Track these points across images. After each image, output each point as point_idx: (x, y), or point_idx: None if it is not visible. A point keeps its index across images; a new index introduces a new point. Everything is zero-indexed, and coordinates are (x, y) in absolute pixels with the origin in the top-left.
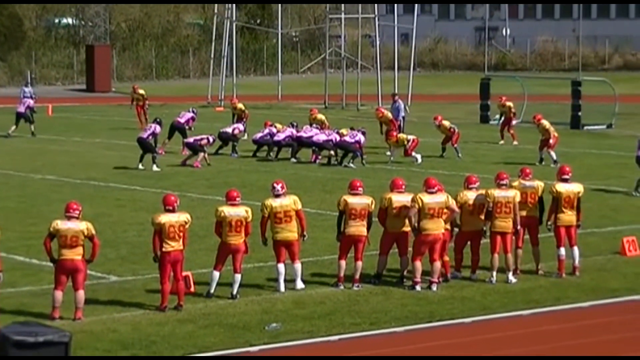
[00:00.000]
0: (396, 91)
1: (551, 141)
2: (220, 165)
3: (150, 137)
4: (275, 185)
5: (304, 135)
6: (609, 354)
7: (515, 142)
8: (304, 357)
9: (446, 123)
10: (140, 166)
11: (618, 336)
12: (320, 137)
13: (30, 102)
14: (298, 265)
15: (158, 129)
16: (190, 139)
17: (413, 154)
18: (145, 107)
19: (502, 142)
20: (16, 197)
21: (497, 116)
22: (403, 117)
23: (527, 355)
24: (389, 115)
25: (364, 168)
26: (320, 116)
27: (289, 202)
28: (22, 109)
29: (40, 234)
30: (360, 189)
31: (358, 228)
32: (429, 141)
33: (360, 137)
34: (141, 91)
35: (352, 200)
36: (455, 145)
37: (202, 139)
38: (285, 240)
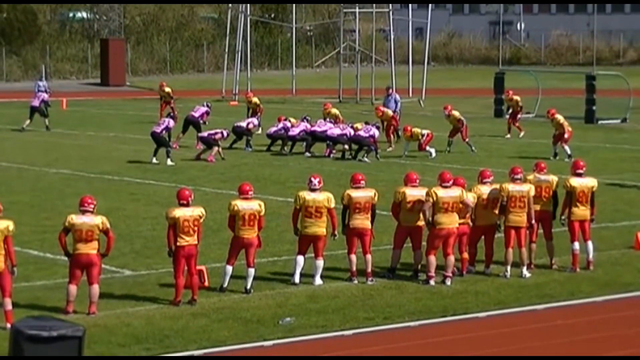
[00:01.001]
0: (410, 85)
1: (565, 135)
2: (234, 159)
3: (164, 132)
4: (312, 179)
5: (318, 129)
6: (623, 349)
7: (521, 134)
8: (317, 352)
9: (456, 113)
10: (154, 160)
11: (633, 331)
12: (335, 131)
13: (45, 96)
14: (320, 262)
15: (172, 123)
16: (205, 133)
17: (427, 148)
18: (172, 105)
19: (508, 135)
20: (30, 191)
21: (503, 108)
22: (396, 110)
23: (540, 351)
24: (389, 112)
25: (378, 162)
26: (334, 110)
27: (322, 198)
28: (36, 102)
29: (55, 228)
30: (362, 182)
31: (362, 221)
32: (443, 135)
33: (374, 131)
34: (167, 89)
35: (355, 194)
36: (467, 140)
37: (216, 133)
38: (313, 235)
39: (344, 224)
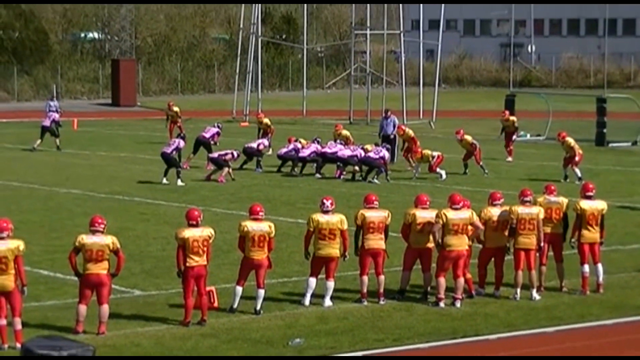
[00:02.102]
0: (421, 107)
1: (576, 158)
2: (244, 180)
3: (174, 152)
4: (325, 201)
5: (329, 150)
6: None
7: (509, 158)
8: None
9: (468, 138)
10: (164, 181)
11: None
12: (345, 152)
13: (56, 115)
14: (331, 283)
15: (182, 143)
16: (215, 154)
17: (437, 169)
18: (179, 124)
19: (509, 159)
20: (40, 211)
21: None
22: (394, 134)
23: None
24: (410, 132)
25: (388, 184)
26: (345, 132)
27: (336, 220)
28: (47, 122)
29: (65, 248)
30: (375, 202)
31: (377, 242)
32: (454, 157)
33: (384, 153)
34: (176, 108)
35: (369, 214)
36: (481, 163)
37: (226, 154)
38: (327, 257)
39: (357, 245)
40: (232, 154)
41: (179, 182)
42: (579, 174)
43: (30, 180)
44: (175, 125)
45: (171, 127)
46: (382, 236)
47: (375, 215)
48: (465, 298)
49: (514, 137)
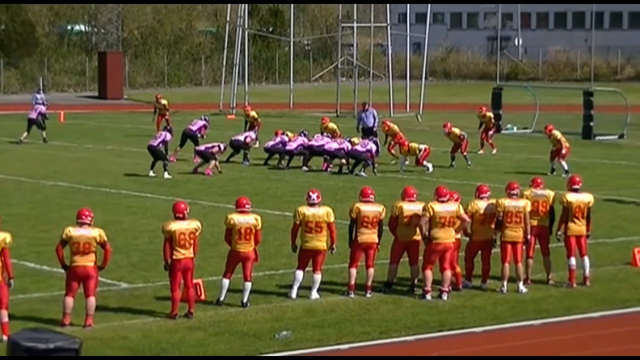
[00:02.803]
0: (408, 100)
1: (563, 151)
2: (231, 173)
3: (161, 145)
4: (311, 194)
5: (315, 143)
6: None
7: (494, 150)
8: None
9: (456, 130)
10: (151, 173)
11: (628, 347)
12: (332, 145)
13: (42, 108)
14: (318, 276)
15: (168, 136)
16: (202, 147)
17: (424, 162)
18: (167, 117)
19: (481, 151)
20: (27, 204)
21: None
22: (374, 126)
23: None
24: (395, 127)
25: (375, 177)
26: (332, 125)
27: (322, 212)
28: (33, 115)
29: (52, 241)
30: (371, 196)
31: (370, 236)
32: (441, 150)
33: (371, 146)
34: (164, 101)
35: (364, 208)
36: (465, 154)
37: (213, 147)
38: (314, 250)
39: (350, 238)
40: (218, 146)
41: (166, 175)
42: (566, 167)
43: (17, 173)
44: (162, 118)
45: (159, 119)
46: (376, 230)
47: (371, 209)
48: (453, 291)
49: (491, 132)
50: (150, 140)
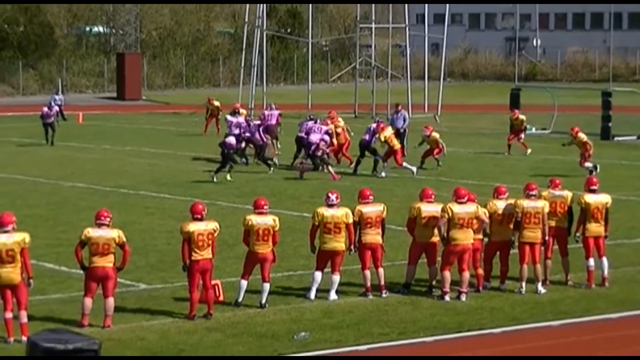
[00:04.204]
0: (426, 101)
1: (589, 153)
2: (249, 174)
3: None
4: (330, 195)
5: (302, 135)
6: None
7: (528, 151)
8: None
9: (436, 135)
10: (228, 177)
11: None
12: (315, 137)
13: (56, 109)
14: (337, 277)
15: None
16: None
17: (405, 164)
18: (218, 118)
19: (507, 154)
20: (45, 205)
21: (528, 126)
22: (404, 129)
23: None
24: (436, 136)
25: (393, 177)
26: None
27: (341, 214)
28: (51, 119)
29: (70, 242)
30: (370, 197)
31: (374, 236)
32: (459, 151)
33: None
34: (216, 103)
35: (366, 209)
36: (437, 157)
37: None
38: (332, 251)
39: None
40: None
41: (228, 177)
42: (590, 166)
43: (35, 174)
44: (213, 119)
45: (209, 120)
46: (379, 230)
47: (372, 210)
48: (472, 292)
49: (522, 134)
50: (228, 139)
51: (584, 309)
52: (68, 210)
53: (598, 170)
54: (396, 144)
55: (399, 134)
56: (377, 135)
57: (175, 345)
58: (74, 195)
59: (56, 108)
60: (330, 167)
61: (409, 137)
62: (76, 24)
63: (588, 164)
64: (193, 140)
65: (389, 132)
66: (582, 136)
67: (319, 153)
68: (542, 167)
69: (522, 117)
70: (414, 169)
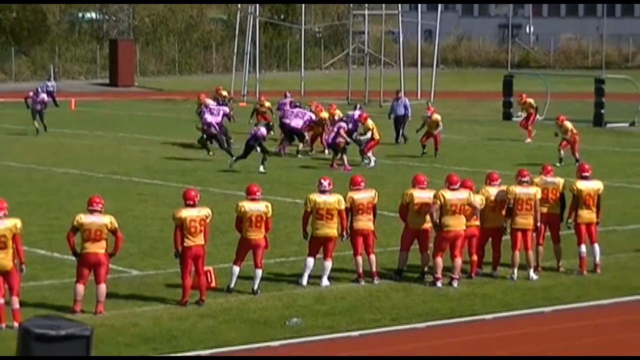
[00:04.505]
0: (419, 88)
1: (576, 145)
2: (243, 161)
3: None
4: (322, 181)
5: (287, 121)
6: (629, 352)
7: (528, 140)
8: (324, 353)
9: (437, 116)
10: (261, 169)
11: (639, 334)
12: (298, 122)
13: (44, 97)
14: (329, 263)
15: (263, 131)
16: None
17: (369, 154)
18: (230, 107)
19: (529, 139)
20: (38, 191)
21: (520, 113)
22: (406, 115)
23: (547, 354)
24: (437, 117)
25: (387, 165)
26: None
27: (333, 200)
28: (38, 107)
29: (62, 228)
30: (362, 183)
31: (366, 222)
32: (452, 138)
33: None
34: (224, 92)
35: (357, 196)
36: (438, 146)
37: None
38: (325, 237)
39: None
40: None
41: (261, 169)
42: (577, 157)
43: (28, 161)
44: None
45: None
46: (371, 217)
47: (364, 196)
48: (464, 278)
49: (531, 119)
50: (256, 130)
51: (576, 295)
52: (61, 197)
53: (562, 164)
54: (377, 135)
55: (399, 121)
56: (361, 124)
57: (167, 332)
58: (67, 181)
59: (43, 95)
60: (345, 157)
61: (408, 125)
62: (69, 10)
63: (577, 155)
64: (186, 127)
65: (371, 122)
66: (568, 124)
67: (339, 141)
68: (535, 154)
69: (529, 100)
70: (374, 162)
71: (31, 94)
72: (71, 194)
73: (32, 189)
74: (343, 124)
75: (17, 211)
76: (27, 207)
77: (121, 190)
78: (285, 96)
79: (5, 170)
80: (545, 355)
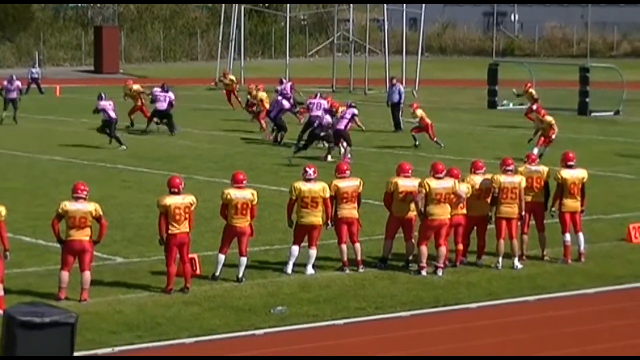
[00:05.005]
0: (404, 76)
1: (552, 137)
2: (227, 147)
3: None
4: (307, 169)
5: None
6: (614, 340)
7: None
8: (308, 341)
9: (421, 112)
10: (329, 158)
11: (623, 323)
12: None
13: (19, 83)
14: (314, 251)
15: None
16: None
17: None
18: (235, 91)
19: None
20: (23, 178)
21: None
22: (400, 102)
23: (531, 343)
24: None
25: (371, 152)
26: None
27: (318, 188)
28: (13, 95)
29: (47, 215)
30: (347, 172)
31: (350, 211)
32: (437, 126)
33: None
34: (231, 77)
35: (342, 184)
36: (436, 139)
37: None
38: (310, 225)
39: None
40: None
41: (329, 158)
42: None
43: (13, 148)
44: (231, 94)
45: (227, 95)
46: (355, 205)
47: (348, 184)
48: (449, 267)
49: (534, 106)
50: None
51: (561, 283)
52: (46, 184)
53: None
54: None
55: (395, 108)
56: (335, 112)
57: (152, 319)
58: (52, 168)
59: (17, 83)
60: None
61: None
62: None
63: (538, 149)
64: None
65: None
66: (549, 119)
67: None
68: (520, 143)
69: (531, 90)
70: (343, 152)
71: (5, 82)
72: (56, 180)
73: (16, 176)
74: (355, 110)
75: (2, 198)
76: (11, 193)
77: (106, 177)
78: (281, 82)
79: None
80: (530, 343)
